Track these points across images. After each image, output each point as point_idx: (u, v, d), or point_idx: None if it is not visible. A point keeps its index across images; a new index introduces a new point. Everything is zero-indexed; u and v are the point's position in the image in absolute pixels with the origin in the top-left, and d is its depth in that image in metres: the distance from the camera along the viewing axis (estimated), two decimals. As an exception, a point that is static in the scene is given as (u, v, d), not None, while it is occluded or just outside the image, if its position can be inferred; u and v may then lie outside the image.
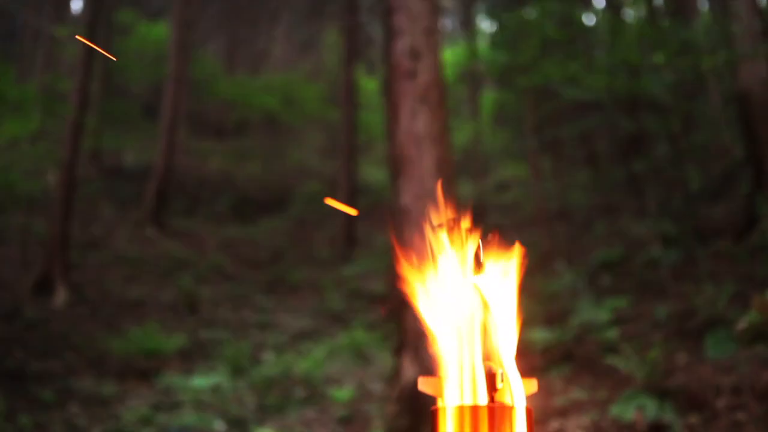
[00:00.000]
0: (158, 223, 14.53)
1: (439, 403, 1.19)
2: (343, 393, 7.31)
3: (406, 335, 5.58)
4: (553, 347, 6.53)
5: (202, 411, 7.19)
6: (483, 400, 1.17)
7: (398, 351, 5.70)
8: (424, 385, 1.21)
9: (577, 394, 5.56)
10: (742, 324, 5.85)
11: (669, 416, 4.74)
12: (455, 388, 1.18)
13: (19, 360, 8.50)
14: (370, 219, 13.53)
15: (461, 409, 1.14)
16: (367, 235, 13.62)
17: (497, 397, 1.18)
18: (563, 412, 5.16)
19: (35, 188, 12.44)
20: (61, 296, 10.69)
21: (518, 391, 1.17)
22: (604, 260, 9.05)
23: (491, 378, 1.19)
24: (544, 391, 5.39)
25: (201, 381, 7.89)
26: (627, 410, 4.84)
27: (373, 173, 17.54)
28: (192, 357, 8.79)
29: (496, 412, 1.13)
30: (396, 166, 5.79)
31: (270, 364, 8.47)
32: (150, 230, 14.22)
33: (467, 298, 1.21)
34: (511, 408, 1.15)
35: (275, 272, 12.61)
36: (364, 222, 14.04)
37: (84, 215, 13.45)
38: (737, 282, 6.96)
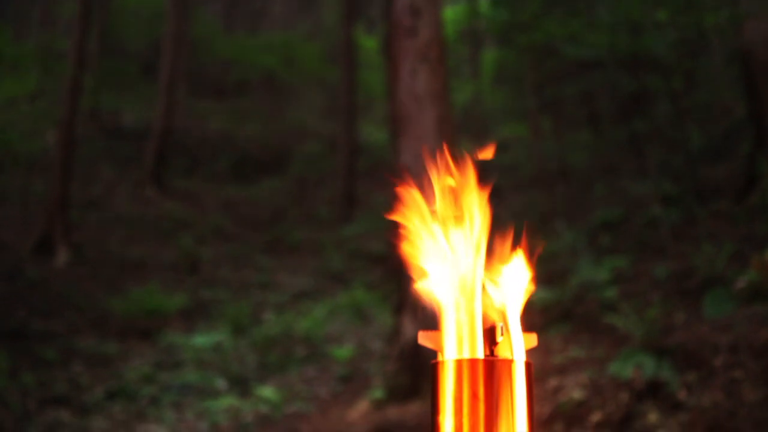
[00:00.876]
0: (158, 183, 14.52)
1: (439, 357, 1.19)
2: (343, 351, 7.36)
3: (405, 294, 5.61)
4: (553, 306, 6.56)
5: (203, 369, 7.26)
6: (482, 353, 1.17)
7: (398, 310, 5.73)
8: (423, 339, 1.22)
9: (575, 352, 5.60)
10: (741, 283, 5.88)
11: (666, 374, 4.78)
12: (455, 342, 1.18)
13: (21, 319, 8.55)
14: (371, 179, 13.51)
15: (461, 362, 1.14)
16: (367, 195, 13.61)
17: (497, 350, 1.18)
18: (562, 370, 5.20)
19: (34, 148, 12.40)
20: (61, 256, 10.72)
21: (518, 345, 1.17)
22: (603, 220, 9.05)
23: (491, 332, 1.19)
24: (543, 349, 5.43)
25: (202, 340, 7.95)
26: (625, 368, 4.87)
27: (373, 133, 17.47)
28: (193, 316, 8.85)
29: (496, 365, 1.13)
30: (396, 125, 5.77)
31: (270, 323, 8.52)
32: (150, 190, 14.21)
33: (467, 252, 1.21)
34: (510, 362, 1.15)
35: (275, 232, 12.63)
36: (364, 182, 14.03)
37: (83, 175, 13.43)
38: (737, 241, 6.97)
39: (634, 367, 4.84)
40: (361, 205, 13.81)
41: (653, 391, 4.72)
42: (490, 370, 1.13)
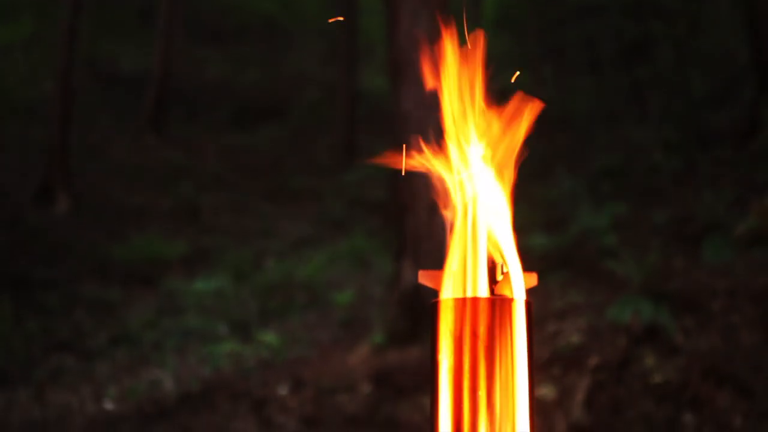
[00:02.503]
0: (157, 131, 14.44)
1: (439, 296, 1.19)
2: (343, 297, 7.42)
3: (405, 240, 5.63)
4: (552, 252, 6.58)
5: (205, 315, 7.32)
6: (483, 292, 1.17)
7: (398, 256, 5.76)
8: (424, 278, 1.22)
9: (574, 297, 5.64)
10: (741, 229, 5.89)
11: (664, 319, 4.82)
12: (455, 281, 1.18)
13: (23, 267, 8.59)
14: (371, 126, 13.44)
15: (461, 301, 1.15)
16: (368, 143, 13.56)
17: (497, 289, 1.19)
18: (561, 315, 5.24)
19: (32, 96, 12.32)
20: (62, 204, 10.72)
21: (518, 284, 1.17)
22: (604, 167, 9.03)
23: (491, 271, 1.19)
24: (542, 294, 5.46)
25: (203, 286, 8.00)
26: (623, 313, 4.92)
27: (373, 79, 17.31)
28: (194, 263, 8.89)
29: (496, 304, 1.14)
30: (396, 71, 5.72)
31: (271, 269, 8.57)
32: (149, 138, 14.15)
33: (468, 189, 1.20)
34: (511, 300, 1.15)
35: (275, 180, 12.61)
36: (365, 129, 13.96)
37: (82, 124, 13.35)
38: (737, 188, 6.97)
39: (632, 312, 4.88)
40: (361, 153, 13.76)
41: (651, 335, 4.77)
42: (491, 309, 1.14)
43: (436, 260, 1.24)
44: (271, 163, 13.71)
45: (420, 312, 5.32)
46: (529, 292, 1.20)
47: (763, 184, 6.83)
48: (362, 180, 11.78)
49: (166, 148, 13.84)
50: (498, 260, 1.19)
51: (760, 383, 4.42)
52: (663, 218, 6.83)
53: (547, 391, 4.49)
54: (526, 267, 1.21)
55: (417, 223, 5.47)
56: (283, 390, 5.25)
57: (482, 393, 1.12)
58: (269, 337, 6.62)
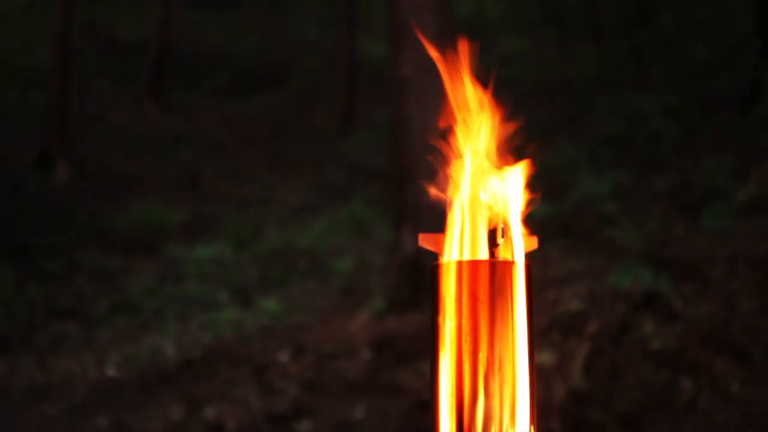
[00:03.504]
0: (156, 98, 14.37)
1: (440, 260, 1.19)
2: (343, 265, 7.44)
3: (406, 207, 5.63)
4: (552, 220, 6.58)
5: (205, 282, 7.35)
6: (483, 255, 1.17)
7: (398, 223, 5.77)
8: (424, 241, 1.22)
9: (574, 264, 5.66)
10: (741, 196, 5.89)
11: (663, 285, 4.84)
12: (455, 244, 1.18)
13: (24, 234, 8.61)
14: (371, 93, 13.37)
15: (461, 264, 1.15)
16: (368, 110, 13.50)
17: (498, 252, 1.18)
18: (560, 282, 5.26)
19: (30, 63, 12.24)
20: (61, 172, 10.70)
21: (519, 247, 1.17)
22: (605, 134, 9.01)
23: (492, 234, 1.19)
24: (541, 261, 5.47)
25: (204, 253, 8.02)
26: (623, 279, 4.93)
27: (374, 46, 17.18)
28: (194, 231, 8.90)
29: (497, 267, 1.14)
30: (395, 36, 5.68)
31: (271, 237, 8.58)
32: (148, 106, 14.09)
33: (471, 153, 1.20)
34: (511, 263, 1.15)
35: (275, 147, 12.58)
36: (365, 96, 13.90)
37: (81, 91, 13.29)
38: (738, 155, 6.96)
39: (631, 279, 4.90)
40: (361, 120, 13.71)
41: (650, 302, 4.79)
42: (491, 272, 1.14)
43: (437, 227, 1.23)
44: (271, 131, 13.67)
45: (420, 279, 5.34)
46: (529, 257, 1.20)
47: (764, 151, 6.82)
48: (362, 147, 11.76)
49: (165, 116, 13.79)
50: (498, 223, 1.19)
51: (758, 349, 4.45)
52: (663, 185, 6.83)
53: (546, 357, 4.52)
54: (527, 232, 1.21)
55: (417, 190, 5.47)
56: (283, 356, 5.29)
57: (482, 356, 1.13)
58: (270, 304, 6.65)
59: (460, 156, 1.21)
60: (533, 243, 1.22)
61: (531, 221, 1.23)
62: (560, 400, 4.37)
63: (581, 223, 6.52)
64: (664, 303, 4.76)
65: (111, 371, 5.80)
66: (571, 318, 4.79)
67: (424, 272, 5.33)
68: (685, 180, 6.88)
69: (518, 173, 1.22)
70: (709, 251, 5.21)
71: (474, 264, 1.14)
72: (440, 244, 1.20)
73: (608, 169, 7.77)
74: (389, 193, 7.24)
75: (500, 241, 1.18)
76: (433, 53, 1.22)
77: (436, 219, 1.23)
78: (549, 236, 6.27)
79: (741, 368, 4.38)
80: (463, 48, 1.22)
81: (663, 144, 7.87)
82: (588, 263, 5.63)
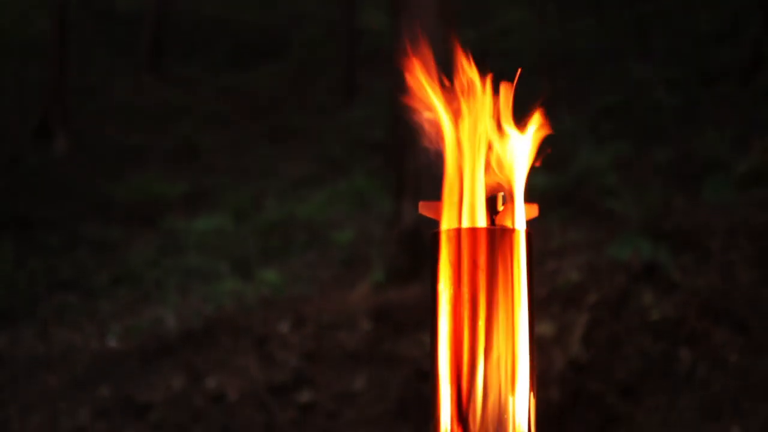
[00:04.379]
0: (155, 69, 14.30)
1: (440, 227, 1.19)
2: (343, 236, 7.44)
3: (405, 179, 5.62)
4: (552, 191, 6.58)
5: (206, 254, 7.36)
6: (483, 222, 1.17)
7: (398, 194, 5.76)
8: (424, 208, 1.22)
9: (574, 236, 5.66)
10: (742, 167, 5.88)
11: (663, 256, 4.85)
12: (456, 212, 1.18)
13: (24, 207, 8.61)
14: (371, 65, 13.30)
15: (461, 231, 1.15)
16: (368, 82, 13.44)
17: (498, 220, 1.18)
18: (560, 253, 5.27)
19: (27, 34, 12.16)
20: (61, 144, 10.68)
21: (519, 215, 1.17)
22: (606, 105, 8.97)
23: (492, 201, 1.19)
24: (541, 233, 5.48)
25: (204, 225, 8.02)
26: (622, 251, 4.94)
27: (374, 17, 17.06)
28: (194, 203, 8.90)
29: (497, 234, 1.14)
30: (396, 5, 5.63)
31: (271, 209, 8.58)
32: (147, 77, 14.02)
33: (471, 120, 1.19)
34: (512, 231, 1.15)
35: (275, 119, 12.54)
36: (365, 68, 13.82)
37: (79, 62, 13.21)
38: (740, 126, 6.93)
39: (631, 250, 4.91)
40: (361, 92, 13.65)
41: (649, 273, 4.80)
42: (491, 239, 1.14)
43: (437, 198, 1.23)
44: (270, 102, 13.61)
45: (420, 250, 5.35)
46: (529, 228, 1.20)
47: (765, 122, 6.79)
48: (362, 119, 11.72)
49: (164, 87, 13.73)
50: (499, 190, 1.19)
51: (757, 320, 4.47)
52: (664, 156, 6.81)
53: (545, 328, 4.54)
54: (527, 201, 1.21)
55: (417, 162, 5.46)
56: (284, 327, 5.31)
57: (482, 323, 1.13)
58: (270, 275, 6.67)
59: (460, 124, 1.20)
60: (534, 211, 1.22)
61: (532, 192, 1.22)
62: (559, 370, 4.40)
63: (581, 194, 6.52)
64: (663, 274, 4.77)
65: (112, 342, 5.83)
66: (571, 289, 4.80)
67: (424, 243, 5.33)
68: (686, 151, 6.86)
69: (521, 138, 1.21)
70: (709, 222, 5.21)
71: (474, 231, 1.14)
72: (440, 212, 1.20)
73: (609, 141, 7.75)
74: (389, 164, 7.23)
75: (501, 208, 1.18)
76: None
77: (436, 190, 1.23)
78: (549, 207, 6.28)
79: (739, 338, 4.40)
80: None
81: (664, 115, 7.84)
82: (588, 234, 5.63)
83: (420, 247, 5.35)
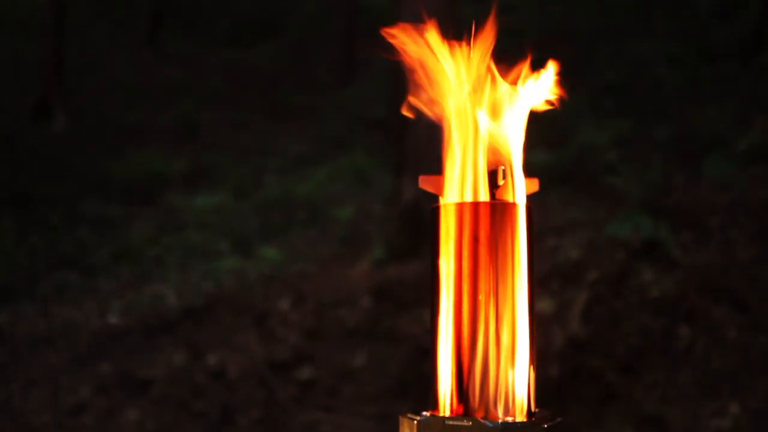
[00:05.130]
0: (154, 46, 14.23)
1: (440, 201, 1.19)
2: (344, 214, 7.44)
3: (406, 156, 5.61)
4: (552, 169, 6.57)
5: (206, 231, 7.36)
6: (484, 196, 1.17)
7: (398, 171, 5.76)
8: (425, 182, 1.21)
9: (574, 213, 5.66)
10: (742, 145, 5.87)
11: (663, 234, 4.85)
12: (456, 186, 1.17)
13: (24, 184, 8.60)
14: (371, 41, 13.23)
15: (462, 205, 1.14)
16: (368, 58, 13.37)
17: (498, 194, 1.18)
18: (560, 231, 5.27)
19: (25, 11, 12.08)
20: (59, 121, 10.65)
21: (520, 189, 1.17)
22: (607, 83, 8.93)
23: (493, 175, 1.18)
24: (542, 210, 5.48)
25: (204, 202, 8.02)
26: (623, 228, 4.94)
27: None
28: (194, 180, 8.88)
29: (497, 208, 1.14)
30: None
31: (271, 186, 8.57)
32: (146, 54, 13.95)
33: (469, 91, 1.19)
34: (512, 205, 1.15)
35: (275, 96, 12.49)
36: (365, 44, 13.74)
37: (77, 39, 13.14)
38: (740, 104, 6.91)
39: (631, 228, 4.90)
40: (361, 69, 13.59)
41: (649, 250, 4.80)
42: (492, 213, 1.13)
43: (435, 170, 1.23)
44: (270, 80, 13.56)
45: (420, 227, 5.36)
46: (530, 201, 1.20)
47: (766, 99, 6.77)
48: (362, 96, 11.68)
49: (163, 64, 13.67)
50: (500, 165, 1.18)
51: (755, 296, 4.47)
52: (665, 134, 6.79)
53: (545, 305, 4.55)
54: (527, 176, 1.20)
55: (417, 139, 5.44)
56: (284, 304, 5.32)
57: (482, 297, 1.13)
58: (270, 252, 6.67)
59: (460, 96, 1.20)
60: (534, 185, 1.21)
61: (532, 169, 1.22)
62: (559, 346, 4.41)
63: (582, 171, 6.50)
64: (663, 251, 4.77)
65: (113, 319, 5.85)
66: (571, 266, 4.81)
67: (424, 220, 5.33)
68: (687, 129, 6.84)
69: (522, 111, 1.21)
70: (709, 200, 5.21)
71: (474, 205, 1.14)
72: (440, 186, 1.19)
73: (610, 118, 7.72)
74: (389, 142, 7.21)
75: (501, 182, 1.18)
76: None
77: (436, 167, 1.22)
78: (550, 185, 6.27)
79: (738, 315, 4.42)
80: None
81: (665, 92, 7.81)
82: (588, 212, 5.63)
83: (420, 224, 5.35)
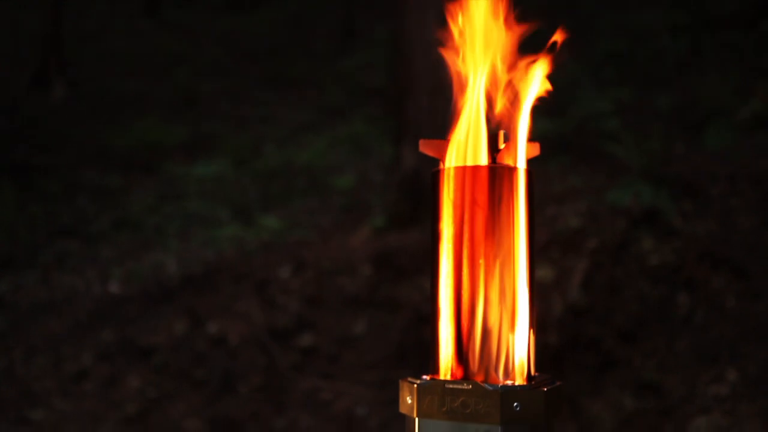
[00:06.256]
0: (152, 15, 14.14)
1: (440, 165, 1.18)
2: (344, 182, 7.44)
3: (406, 124, 5.59)
4: (553, 137, 6.55)
5: (206, 200, 7.36)
6: (484, 160, 1.17)
7: (398, 140, 5.74)
8: (425, 146, 1.21)
9: (574, 181, 5.65)
10: (744, 113, 5.85)
11: (663, 202, 4.84)
12: (456, 150, 1.17)
13: (23, 154, 8.58)
14: (371, 10, 13.13)
15: (462, 169, 1.14)
16: (368, 26, 13.28)
17: (499, 158, 1.18)
18: (560, 199, 5.26)
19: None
20: (58, 92, 10.61)
21: (521, 153, 1.16)
22: (608, 51, 8.87)
23: (493, 139, 1.18)
24: (541, 178, 5.46)
25: (204, 171, 8.01)
26: (623, 196, 4.93)
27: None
28: (193, 150, 8.87)
29: (497, 172, 1.13)
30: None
31: (271, 155, 8.56)
32: (144, 23, 13.86)
33: (472, 57, 1.18)
34: (513, 169, 1.14)
35: (274, 66, 12.42)
36: (364, 13, 13.65)
37: (75, 9, 13.04)
38: (743, 73, 6.87)
39: (632, 196, 4.90)
40: (361, 37, 13.50)
41: (650, 218, 4.80)
42: (492, 177, 1.13)
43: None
44: (269, 49, 13.47)
45: (420, 195, 5.36)
46: (531, 165, 1.19)
47: (769, 67, 6.73)
48: (362, 64, 11.62)
49: (161, 34, 13.58)
50: (499, 128, 1.18)
51: (755, 265, 4.48)
52: (666, 103, 6.76)
53: (545, 273, 4.56)
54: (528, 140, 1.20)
55: (417, 107, 5.43)
56: (284, 272, 5.33)
57: (482, 261, 1.13)
58: (270, 221, 6.67)
59: (463, 62, 1.19)
60: (535, 149, 1.21)
61: (532, 137, 1.21)
62: (558, 315, 4.43)
63: (582, 140, 6.49)
64: (663, 220, 4.77)
65: (114, 287, 5.86)
66: (571, 234, 4.81)
67: (424, 189, 5.36)
68: (689, 97, 6.81)
69: (524, 76, 1.20)
70: (710, 168, 5.20)
71: (475, 169, 1.14)
72: (441, 150, 1.19)
73: (611, 86, 7.69)
74: (389, 110, 7.18)
75: (502, 146, 1.17)
76: None
77: (436, 135, 1.22)
78: (550, 153, 6.25)
79: (737, 284, 4.42)
80: None
81: (666, 61, 7.76)
82: (588, 180, 5.62)
83: (420, 192, 5.35)
